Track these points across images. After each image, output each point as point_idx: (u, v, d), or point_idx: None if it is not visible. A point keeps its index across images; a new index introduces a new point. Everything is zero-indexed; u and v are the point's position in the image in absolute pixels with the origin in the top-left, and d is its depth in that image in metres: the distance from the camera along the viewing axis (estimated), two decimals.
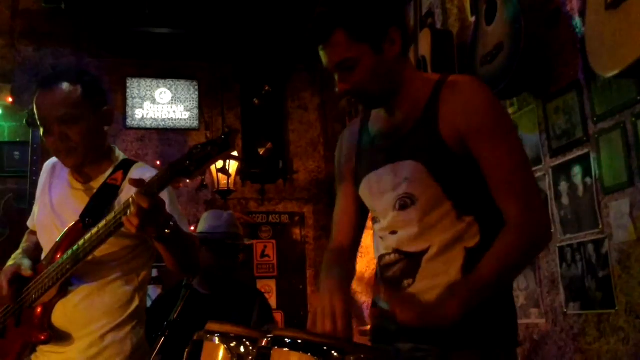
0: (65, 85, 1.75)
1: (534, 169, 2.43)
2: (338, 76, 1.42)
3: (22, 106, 4.89)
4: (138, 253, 1.83)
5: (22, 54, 5.37)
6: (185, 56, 5.67)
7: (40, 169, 2.04)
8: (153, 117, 5.69)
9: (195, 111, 5.77)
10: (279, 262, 5.70)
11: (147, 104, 5.69)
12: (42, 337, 1.73)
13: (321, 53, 1.42)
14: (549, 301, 2.54)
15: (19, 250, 1.94)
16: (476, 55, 2.68)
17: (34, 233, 1.97)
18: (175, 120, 5.73)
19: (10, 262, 1.87)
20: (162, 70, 5.75)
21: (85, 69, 1.98)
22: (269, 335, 1.19)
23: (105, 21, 5.06)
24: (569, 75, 2.41)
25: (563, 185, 2.46)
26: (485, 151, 1.34)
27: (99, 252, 1.68)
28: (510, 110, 2.73)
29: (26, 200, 4.37)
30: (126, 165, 1.85)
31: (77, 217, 1.77)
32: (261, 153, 5.44)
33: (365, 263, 4.42)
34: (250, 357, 1.25)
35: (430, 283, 1.38)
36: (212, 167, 4.31)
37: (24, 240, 2.00)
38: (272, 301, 5.46)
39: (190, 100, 5.78)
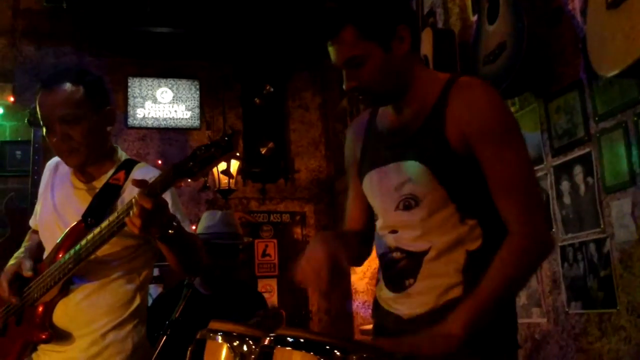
0: (67, 86, 1.75)
1: (535, 168, 2.43)
2: (346, 73, 1.40)
3: (24, 105, 4.90)
4: (140, 252, 1.83)
5: (24, 53, 5.38)
6: (186, 55, 5.68)
7: (42, 168, 2.05)
8: (154, 116, 5.70)
9: (197, 110, 5.77)
10: (280, 262, 5.71)
11: (148, 104, 5.70)
12: (43, 336, 1.73)
13: (329, 49, 1.40)
14: (550, 300, 2.54)
15: (21, 249, 1.94)
16: (478, 55, 2.67)
17: (36, 232, 1.97)
18: (177, 119, 5.74)
19: (11, 261, 1.88)
20: (163, 69, 5.76)
21: (88, 69, 1.97)
22: (272, 334, 1.19)
23: (106, 20, 5.07)
24: (570, 75, 2.41)
25: (564, 185, 2.45)
26: (490, 158, 1.33)
27: (100, 252, 1.69)
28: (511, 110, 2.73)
29: (28, 200, 4.38)
30: (128, 165, 1.85)
31: (79, 217, 1.77)
32: (263, 152, 5.45)
33: (367, 263, 4.41)
34: (252, 356, 1.26)
35: (431, 283, 1.37)
36: (214, 168, 4.33)
37: (26, 239, 2.00)
38: (274, 300, 5.46)
39: (191, 100, 5.79)
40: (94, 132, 1.78)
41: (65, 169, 1.89)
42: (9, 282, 1.78)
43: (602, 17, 1.99)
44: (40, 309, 1.74)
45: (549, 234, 1.41)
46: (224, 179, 5.22)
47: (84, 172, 1.85)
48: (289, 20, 5.12)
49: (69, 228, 1.77)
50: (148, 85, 5.72)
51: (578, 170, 2.39)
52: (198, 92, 5.79)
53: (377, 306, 1.53)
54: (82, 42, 5.45)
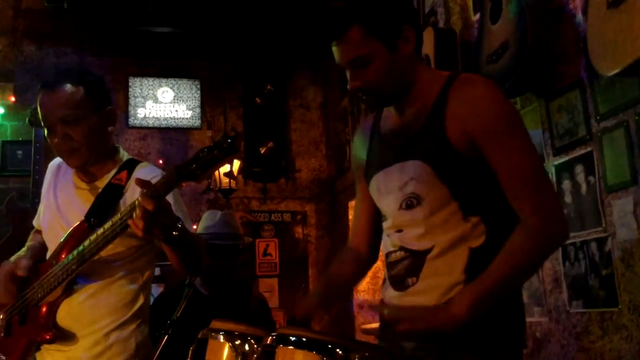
0: (68, 86, 1.75)
1: None
2: (350, 73, 1.41)
3: (25, 105, 4.91)
4: (143, 252, 1.84)
5: (25, 53, 5.38)
6: (187, 55, 5.68)
7: (43, 168, 2.05)
8: (155, 116, 5.70)
9: (197, 110, 5.78)
10: (281, 261, 5.71)
11: (149, 103, 5.70)
12: (47, 337, 1.74)
13: (334, 49, 1.41)
14: (552, 299, 2.54)
15: (24, 249, 1.95)
16: (481, 54, 2.67)
17: (39, 232, 1.97)
18: (177, 119, 5.74)
19: (12, 259, 1.88)
20: (164, 69, 5.76)
21: (88, 69, 1.97)
22: (274, 333, 1.19)
23: (107, 20, 5.07)
24: (571, 74, 2.41)
25: (566, 184, 2.45)
26: (496, 151, 1.33)
27: (104, 252, 1.69)
28: None
29: (29, 199, 4.38)
30: (130, 165, 1.85)
31: (82, 217, 1.77)
32: (262, 152, 5.45)
33: None
34: (255, 355, 1.26)
35: (433, 282, 1.37)
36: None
37: (29, 239, 2.01)
38: (274, 300, 5.46)
39: (192, 99, 5.79)
40: (95, 133, 1.78)
41: (67, 169, 1.90)
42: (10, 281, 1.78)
43: (603, 17, 1.99)
44: (44, 309, 1.74)
45: (562, 221, 1.37)
46: (225, 179, 5.22)
47: (86, 172, 1.85)
48: (290, 19, 5.12)
49: (72, 228, 1.77)
50: (149, 85, 5.72)
51: (579, 169, 2.39)
52: (199, 92, 5.79)
53: (383, 304, 1.53)
54: (83, 42, 5.45)
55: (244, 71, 5.75)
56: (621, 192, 2.18)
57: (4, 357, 1.78)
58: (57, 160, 1.96)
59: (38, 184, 4.01)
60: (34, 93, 5.21)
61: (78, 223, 1.77)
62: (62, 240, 1.77)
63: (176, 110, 5.75)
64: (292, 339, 1.15)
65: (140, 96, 5.69)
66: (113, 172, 1.84)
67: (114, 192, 1.79)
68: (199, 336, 1.41)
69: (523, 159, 1.34)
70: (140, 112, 5.68)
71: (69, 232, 1.77)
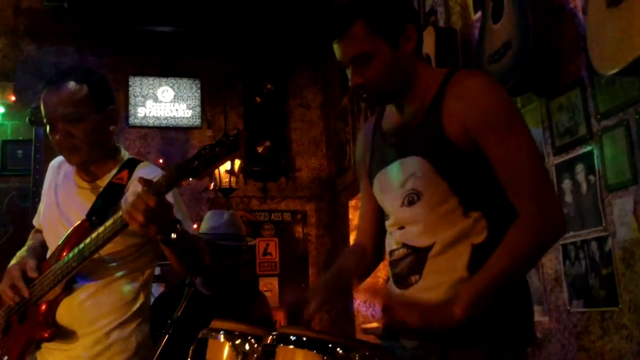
0: (71, 84, 1.76)
1: None
2: (352, 70, 1.41)
3: (25, 104, 4.90)
4: (143, 252, 1.84)
5: (25, 53, 5.38)
6: (187, 54, 5.68)
7: (43, 167, 2.06)
8: (155, 115, 5.70)
9: (198, 109, 5.77)
10: (281, 260, 5.71)
11: (149, 102, 5.70)
12: (46, 335, 1.74)
13: (335, 46, 1.41)
14: (552, 299, 2.54)
15: (24, 248, 1.95)
16: (483, 54, 2.67)
17: (39, 231, 1.97)
18: (178, 118, 5.74)
19: (13, 261, 1.88)
20: (165, 68, 5.76)
21: (92, 68, 1.98)
22: (274, 333, 1.19)
23: (107, 19, 5.07)
24: (572, 73, 2.41)
25: (566, 183, 2.45)
26: (495, 146, 1.33)
27: (104, 251, 1.69)
28: None
29: (29, 198, 4.38)
30: (131, 165, 1.85)
31: (83, 216, 1.78)
32: (259, 151, 5.44)
33: None
34: (255, 355, 1.26)
35: (435, 279, 1.37)
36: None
37: (29, 238, 2.01)
38: (275, 299, 5.47)
39: (192, 99, 5.79)
40: (97, 131, 1.79)
41: (68, 168, 1.90)
42: (11, 285, 1.78)
43: (602, 16, 1.99)
44: (43, 307, 1.75)
45: (560, 215, 1.37)
46: (225, 178, 5.22)
47: (87, 171, 1.86)
48: (290, 19, 5.12)
49: (73, 227, 1.77)
50: (149, 84, 5.72)
51: (580, 168, 2.39)
52: (199, 91, 5.79)
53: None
54: (84, 41, 5.45)
55: (244, 70, 5.75)
56: (621, 192, 2.17)
57: (6, 358, 1.78)
58: (58, 159, 1.96)
59: (38, 183, 4.01)
60: (34, 92, 5.23)
61: (79, 222, 1.77)
62: (63, 239, 1.78)
63: (176, 110, 5.75)
64: (293, 338, 1.15)
65: (141, 95, 5.69)
66: (114, 171, 1.85)
67: (115, 191, 1.79)
68: (199, 336, 1.41)
69: (521, 153, 1.34)
70: (141, 112, 5.67)
71: (70, 231, 1.77)
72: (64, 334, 1.76)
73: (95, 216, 1.74)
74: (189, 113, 5.77)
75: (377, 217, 1.60)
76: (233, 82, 5.82)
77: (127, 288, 1.82)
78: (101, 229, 1.64)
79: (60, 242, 1.78)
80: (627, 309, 2.14)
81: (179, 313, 2.26)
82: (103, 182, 1.84)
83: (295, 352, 1.13)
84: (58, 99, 1.75)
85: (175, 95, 5.76)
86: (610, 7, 1.95)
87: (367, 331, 4.75)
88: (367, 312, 5.06)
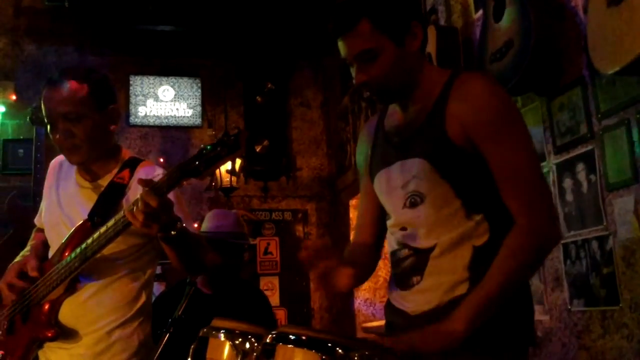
0: (72, 84, 1.76)
1: None
2: (357, 67, 1.40)
3: (26, 104, 4.91)
4: (145, 251, 1.84)
5: (25, 52, 5.38)
6: (188, 54, 5.68)
7: (44, 167, 2.06)
8: (156, 114, 5.70)
9: (198, 109, 5.77)
10: (282, 260, 5.71)
11: (150, 102, 5.70)
12: (49, 334, 1.74)
13: (340, 43, 1.40)
14: (552, 298, 2.53)
15: (27, 248, 1.95)
16: (485, 53, 2.67)
17: (41, 231, 1.98)
18: (178, 117, 5.74)
19: (17, 260, 1.89)
20: (165, 67, 5.76)
21: (93, 67, 1.98)
22: (274, 332, 1.19)
23: (108, 19, 5.07)
24: (573, 72, 2.41)
25: (567, 182, 2.45)
26: (492, 148, 1.33)
27: (106, 250, 1.70)
28: None
29: (30, 198, 4.38)
30: (132, 164, 1.85)
31: (84, 215, 1.78)
32: (258, 150, 5.44)
33: None
34: (255, 354, 1.26)
35: (437, 280, 1.37)
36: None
37: (31, 237, 2.01)
38: (275, 298, 5.47)
39: (193, 98, 5.79)
40: (97, 131, 1.79)
41: (69, 167, 1.90)
42: (15, 278, 1.78)
43: (603, 15, 1.99)
44: (46, 307, 1.75)
45: (553, 226, 1.37)
46: (226, 177, 5.22)
47: (88, 170, 1.86)
48: (291, 18, 5.12)
49: (75, 227, 1.78)
50: (150, 84, 5.72)
51: (580, 167, 2.38)
52: (200, 90, 5.79)
53: (388, 304, 1.54)
54: (84, 41, 5.45)
55: (245, 70, 5.75)
56: (622, 191, 2.17)
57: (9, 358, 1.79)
58: (59, 158, 1.96)
59: (39, 183, 4.01)
60: (34, 91, 5.23)
61: (81, 222, 1.77)
62: (65, 239, 1.78)
63: (177, 109, 5.75)
64: (292, 337, 1.15)
65: (141, 94, 5.69)
66: (115, 170, 1.85)
67: (117, 190, 1.80)
68: (200, 334, 1.41)
69: (517, 157, 1.33)
70: (141, 111, 5.67)
71: (72, 231, 1.77)
72: (66, 333, 1.76)
73: (97, 216, 1.75)
74: (189, 112, 5.77)
75: (377, 216, 1.59)
76: (233, 81, 5.81)
77: (129, 287, 1.82)
78: (103, 229, 1.64)
79: (62, 242, 1.78)
80: (628, 308, 2.13)
81: (180, 312, 2.26)
82: (104, 182, 1.84)
83: (295, 351, 1.13)
84: (59, 98, 1.76)
85: (175, 95, 5.76)
86: (610, 6, 1.94)
87: (367, 330, 4.75)
88: (367, 311, 5.06)
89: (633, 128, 2.13)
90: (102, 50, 5.47)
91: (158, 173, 1.75)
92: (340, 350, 1.11)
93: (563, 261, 2.46)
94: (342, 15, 1.38)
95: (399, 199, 1.44)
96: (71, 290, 1.76)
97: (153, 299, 2.51)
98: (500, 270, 1.29)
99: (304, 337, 1.14)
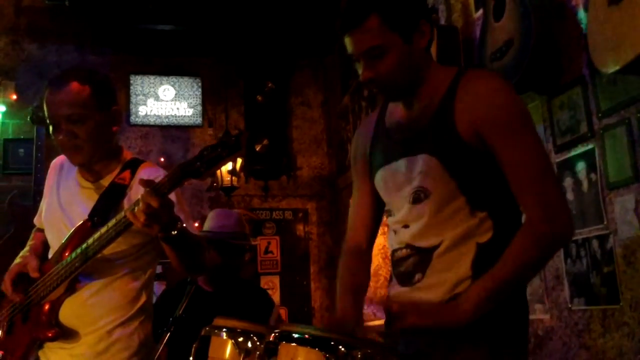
0: (74, 85, 1.77)
1: None
2: (364, 64, 1.40)
3: (26, 103, 4.91)
4: (145, 251, 1.84)
5: (26, 51, 5.38)
6: (188, 53, 5.68)
7: (45, 166, 2.07)
8: (156, 114, 5.70)
9: (199, 108, 5.77)
10: (283, 259, 5.71)
11: (150, 101, 5.70)
12: (50, 334, 1.74)
13: (347, 39, 1.39)
14: (553, 297, 2.54)
15: (26, 248, 1.95)
16: (485, 52, 2.67)
17: (40, 231, 1.98)
18: (179, 117, 5.74)
19: (17, 260, 1.89)
20: (166, 67, 5.76)
21: (95, 68, 1.98)
22: (276, 330, 1.20)
23: (108, 18, 5.07)
24: (573, 71, 2.41)
25: (568, 181, 2.45)
26: (504, 147, 1.33)
27: (107, 250, 1.70)
28: None
29: (31, 197, 4.38)
30: (134, 165, 1.86)
31: (85, 216, 1.78)
32: (257, 149, 5.44)
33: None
34: (257, 352, 1.26)
35: (440, 278, 1.37)
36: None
37: (30, 237, 2.01)
38: (276, 297, 5.47)
39: (193, 97, 5.79)
40: (99, 132, 1.79)
41: (71, 167, 1.90)
42: (12, 281, 1.79)
43: (604, 13, 1.99)
44: (47, 307, 1.75)
45: (567, 220, 1.36)
46: (227, 177, 5.22)
47: (90, 170, 1.86)
48: (292, 17, 5.11)
49: (75, 227, 1.78)
50: (150, 83, 5.72)
51: (581, 166, 2.39)
52: (200, 90, 5.79)
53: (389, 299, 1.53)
54: (84, 40, 5.45)
55: (245, 69, 5.75)
56: (623, 190, 2.18)
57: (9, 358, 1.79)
58: (60, 158, 1.97)
59: (40, 182, 4.01)
60: (35, 91, 5.23)
61: (81, 222, 1.77)
62: (65, 239, 1.78)
63: (177, 108, 5.75)
64: (295, 336, 1.15)
65: (142, 94, 5.69)
66: (116, 171, 1.85)
67: (118, 191, 1.80)
68: (202, 333, 1.41)
69: (530, 155, 1.33)
70: (142, 110, 5.67)
71: (73, 231, 1.78)
72: (67, 333, 1.76)
73: (98, 216, 1.75)
74: (190, 111, 5.77)
75: (373, 214, 1.59)
76: (234, 81, 5.81)
77: (130, 287, 1.82)
78: (104, 229, 1.64)
79: (62, 242, 1.78)
80: (628, 306, 2.14)
81: (181, 311, 2.27)
82: (105, 182, 1.84)
83: (298, 349, 1.13)
84: (61, 99, 1.76)
85: (176, 94, 5.76)
86: (611, 5, 1.95)
87: (369, 329, 4.75)
88: (368, 310, 5.06)
89: (633, 127, 2.13)
90: (103, 49, 5.47)
91: (159, 174, 1.75)
92: (342, 349, 1.11)
93: (564, 260, 2.47)
94: (351, 11, 1.37)
95: (403, 195, 1.43)
96: (71, 290, 1.76)
97: (154, 298, 2.52)
98: (514, 260, 1.29)
99: (307, 336, 1.14)
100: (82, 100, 1.76)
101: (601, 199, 2.28)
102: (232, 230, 2.79)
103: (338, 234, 5.67)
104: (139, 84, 5.69)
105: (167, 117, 5.72)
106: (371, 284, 5.24)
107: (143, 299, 1.85)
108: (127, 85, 5.62)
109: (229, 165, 5.03)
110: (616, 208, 2.21)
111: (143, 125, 5.66)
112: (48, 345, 1.80)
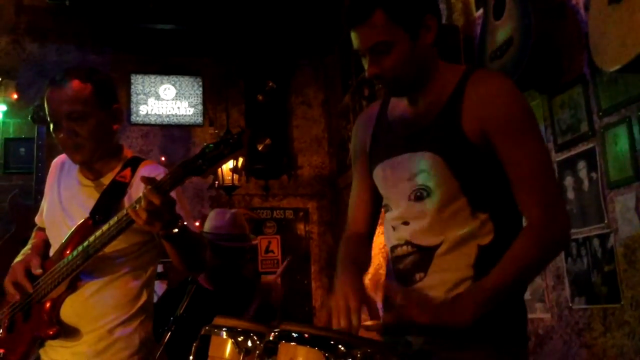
0: (75, 83, 1.77)
1: None
2: (369, 59, 1.39)
3: (27, 102, 4.91)
4: (146, 249, 1.85)
5: (27, 51, 5.38)
6: (189, 52, 5.68)
7: (46, 165, 2.07)
8: (157, 113, 5.70)
9: (200, 107, 5.77)
10: (284, 258, 5.71)
11: (151, 100, 5.70)
12: (51, 332, 1.75)
13: (353, 34, 1.39)
14: (554, 296, 2.54)
15: (28, 246, 1.95)
16: (485, 50, 2.67)
17: (41, 229, 1.98)
18: (180, 116, 5.74)
19: (18, 259, 1.89)
20: (166, 66, 5.76)
21: (96, 67, 1.99)
22: (276, 330, 1.19)
23: (109, 17, 5.07)
24: (574, 70, 2.41)
25: (568, 180, 2.45)
26: (508, 148, 1.33)
27: (108, 248, 1.70)
28: None
29: (32, 196, 4.39)
30: (134, 163, 1.86)
31: (86, 214, 1.78)
32: (260, 149, 5.44)
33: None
34: (257, 351, 1.26)
35: (440, 278, 1.37)
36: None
37: (32, 236, 2.01)
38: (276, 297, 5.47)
39: (194, 97, 5.79)
40: (100, 130, 1.80)
41: (71, 166, 1.91)
42: (14, 282, 1.79)
43: (605, 12, 1.99)
44: (48, 305, 1.75)
45: (567, 224, 1.38)
46: (228, 176, 5.23)
47: (90, 169, 1.86)
48: (292, 16, 5.11)
49: (76, 225, 1.78)
50: (151, 82, 5.72)
51: (582, 165, 2.38)
52: (201, 89, 5.79)
53: (386, 300, 1.53)
54: (85, 39, 5.45)
55: (246, 68, 5.75)
56: (624, 188, 2.17)
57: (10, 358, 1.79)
58: (61, 157, 1.97)
59: (41, 181, 4.02)
60: (36, 90, 5.23)
61: (82, 220, 1.78)
62: (66, 237, 1.78)
63: (178, 107, 5.75)
64: (295, 335, 1.15)
65: (142, 93, 5.69)
66: (117, 169, 1.86)
67: (118, 189, 1.80)
68: (202, 332, 1.41)
69: (534, 157, 1.34)
70: (142, 109, 5.68)
71: (74, 229, 1.78)
72: (68, 331, 1.76)
73: (99, 214, 1.75)
74: (190, 111, 5.77)
75: (372, 208, 1.58)
76: (235, 80, 5.81)
77: (131, 285, 1.82)
78: (106, 227, 1.65)
79: (63, 240, 1.78)
80: (629, 305, 2.14)
81: (182, 310, 2.27)
82: (106, 180, 1.85)
83: (297, 348, 1.13)
84: (62, 96, 1.76)
85: (177, 93, 5.76)
86: (612, 3, 1.95)
87: (369, 328, 4.75)
88: (368, 308, 5.06)
89: (634, 126, 2.13)
90: (103, 48, 5.47)
91: (159, 172, 1.75)
92: (342, 348, 1.11)
93: (564, 259, 2.46)
94: (357, 6, 1.37)
95: (404, 191, 1.43)
96: (73, 288, 1.76)
97: (155, 297, 2.52)
98: (516, 261, 1.30)
99: (306, 335, 1.14)
100: (83, 98, 1.76)
101: (602, 197, 2.28)
102: (225, 232, 2.78)
103: (339, 233, 5.66)
104: (139, 83, 5.69)
105: (167, 116, 5.72)
106: (372, 283, 5.24)
107: (144, 297, 1.85)
108: (127, 85, 5.62)
109: (230, 164, 5.03)
110: (617, 207, 2.21)
111: (144, 125, 5.66)
112: (49, 343, 1.80)
